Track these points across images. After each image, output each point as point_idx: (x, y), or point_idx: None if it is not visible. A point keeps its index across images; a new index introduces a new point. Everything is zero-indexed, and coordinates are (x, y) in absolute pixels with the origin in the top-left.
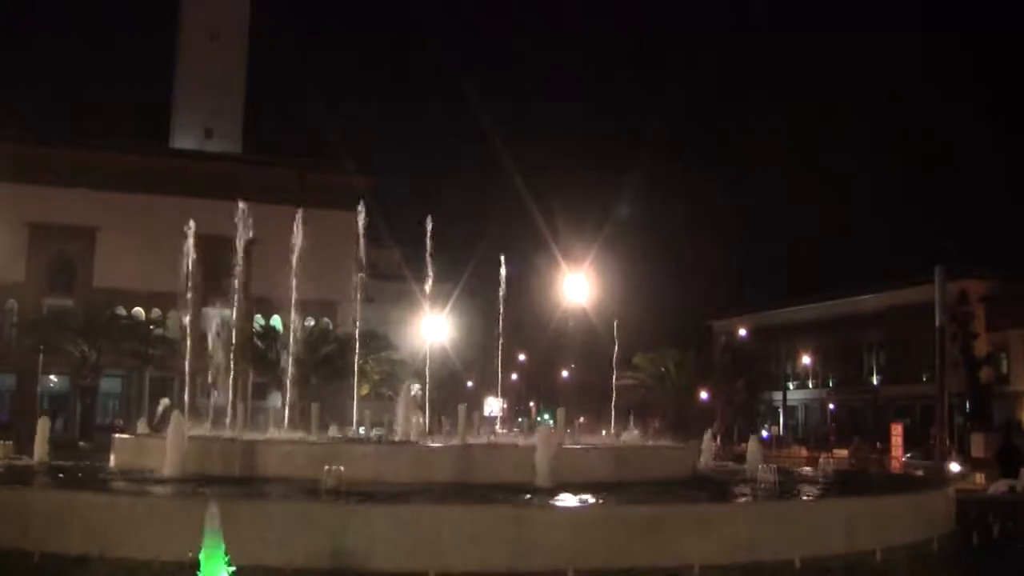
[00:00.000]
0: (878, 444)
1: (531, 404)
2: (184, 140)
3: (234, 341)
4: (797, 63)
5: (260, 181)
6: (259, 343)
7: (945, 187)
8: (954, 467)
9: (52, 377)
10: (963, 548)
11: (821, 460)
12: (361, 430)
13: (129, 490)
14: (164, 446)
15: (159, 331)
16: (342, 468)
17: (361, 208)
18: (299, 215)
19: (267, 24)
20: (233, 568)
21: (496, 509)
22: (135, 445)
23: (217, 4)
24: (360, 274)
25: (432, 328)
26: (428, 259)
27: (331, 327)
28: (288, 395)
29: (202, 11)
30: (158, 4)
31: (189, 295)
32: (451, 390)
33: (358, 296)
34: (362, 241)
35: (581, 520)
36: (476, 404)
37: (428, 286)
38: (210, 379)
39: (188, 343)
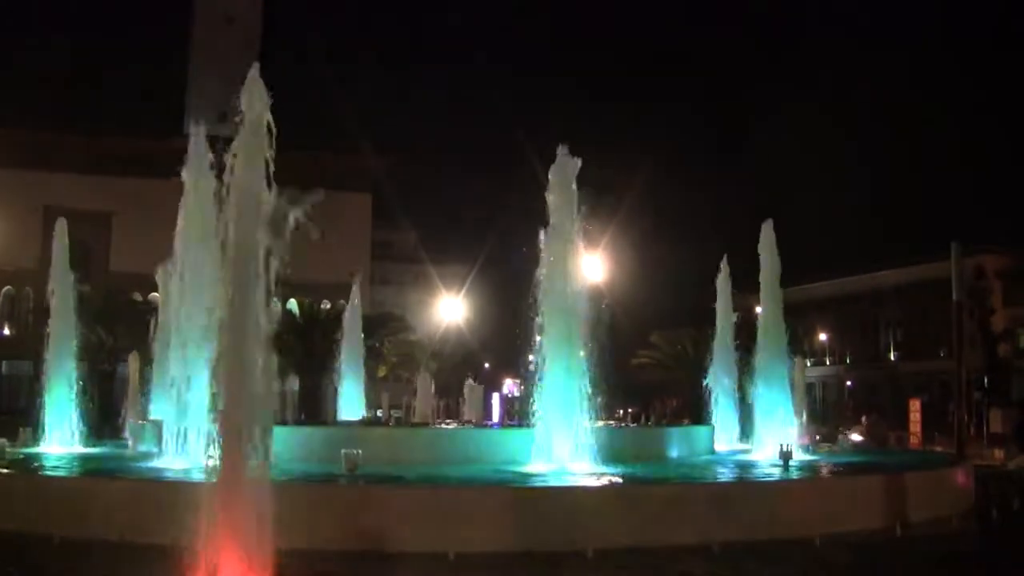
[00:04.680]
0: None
1: None
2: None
3: None
4: (810, 40)
5: (275, 164)
6: (276, 326)
7: (960, 161)
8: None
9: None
10: (982, 524)
11: (840, 437)
12: (379, 412)
13: (144, 475)
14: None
15: None
16: (359, 451)
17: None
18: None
19: (282, 6)
20: None
21: (514, 489)
22: (152, 431)
23: None
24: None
25: (449, 309)
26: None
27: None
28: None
29: None
30: None
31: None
32: (468, 370)
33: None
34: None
35: (600, 499)
36: (494, 384)
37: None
38: None
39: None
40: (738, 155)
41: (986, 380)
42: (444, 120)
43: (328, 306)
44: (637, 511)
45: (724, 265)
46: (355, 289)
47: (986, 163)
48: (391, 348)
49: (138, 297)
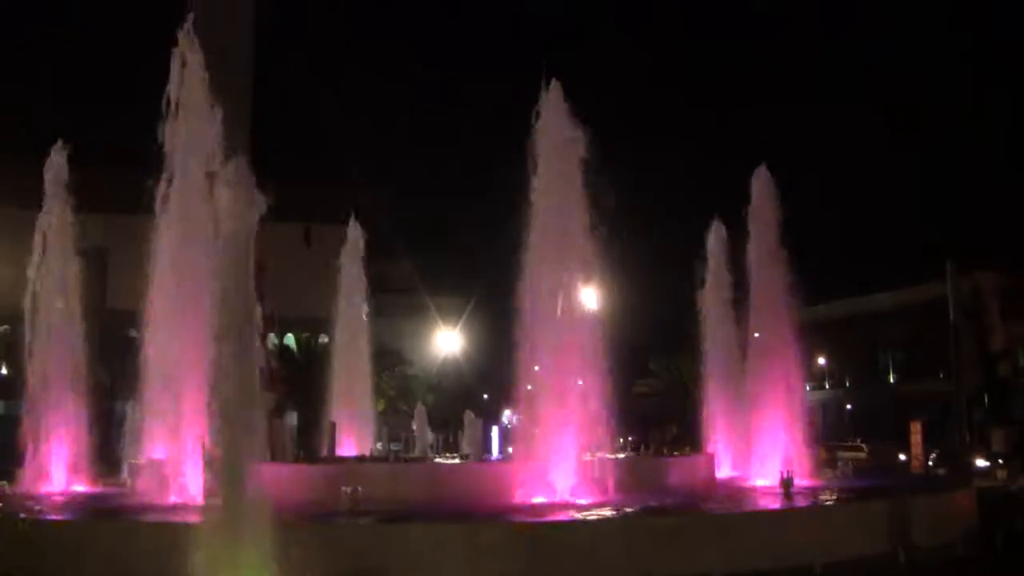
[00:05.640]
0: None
1: None
2: None
3: None
4: (804, 58)
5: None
6: (273, 361)
7: (954, 179)
8: (980, 463)
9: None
10: (987, 547)
11: (840, 462)
12: (378, 446)
13: (147, 517)
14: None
15: None
16: (359, 488)
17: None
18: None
19: (274, 39)
20: None
21: (514, 523)
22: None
23: (222, 22)
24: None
25: (446, 341)
26: None
27: None
28: None
29: (207, 30)
30: (163, 24)
31: None
32: (466, 403)
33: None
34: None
35: (601, 532)
36: (493, 416)
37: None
38: None
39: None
40: (731, 177)
41: (986, 399)
42: (440, 151)
43: (326, 340)
44: (638, 542)
45: (705, 295)
46: (363, 322)
47: (981, 181)
48: (388, 382)
49: (135, 334)
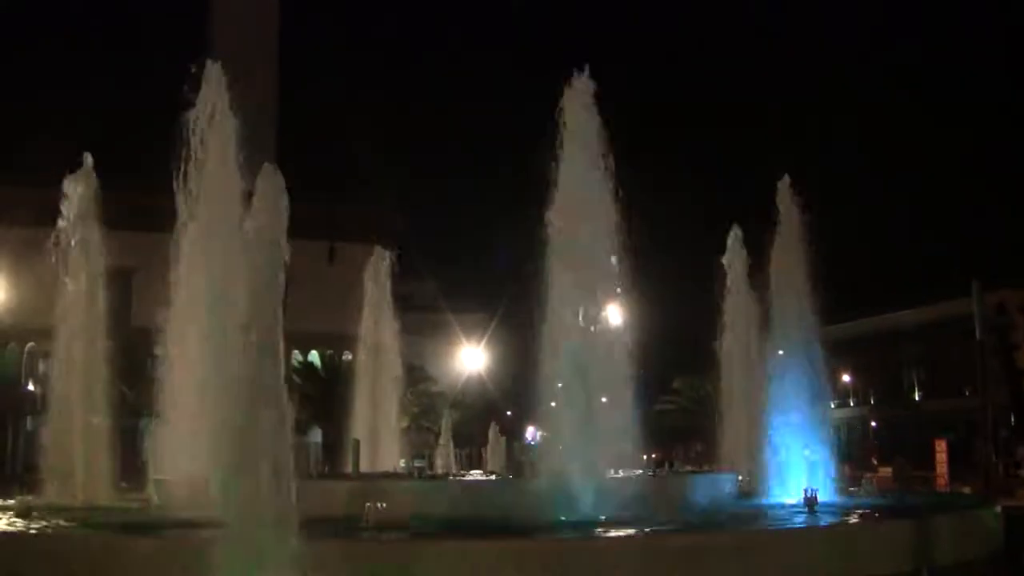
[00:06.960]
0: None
1: None
2: None
3: None
4: (825, 72)
5: (292, 217)
6: (297, 378)
7: (976, 196)
8: None
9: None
10: (1012, 568)
11: (864, 480)
12: (403, 462)
13: (170, 532)
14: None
15: None
16: (383, 505)
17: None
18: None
19: (299, 59)
20: None
21: (537, 541)
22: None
23: (246, 41)
24: None
25: (470, 358)
26: None
27: None
28: None
29: (231, 48)
30: (185, 40)
31: None
32: (490, 419)
33: None
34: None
35: (622, 550)
36: (516, 433)
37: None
38: None
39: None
40: (751, 187)
41: (1013, 417)
42: (465, 167)
43: (350, 357)
44: (659, 561)
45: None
46: (387, 339)
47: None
48: (413, 399)
49: (160, 352)
